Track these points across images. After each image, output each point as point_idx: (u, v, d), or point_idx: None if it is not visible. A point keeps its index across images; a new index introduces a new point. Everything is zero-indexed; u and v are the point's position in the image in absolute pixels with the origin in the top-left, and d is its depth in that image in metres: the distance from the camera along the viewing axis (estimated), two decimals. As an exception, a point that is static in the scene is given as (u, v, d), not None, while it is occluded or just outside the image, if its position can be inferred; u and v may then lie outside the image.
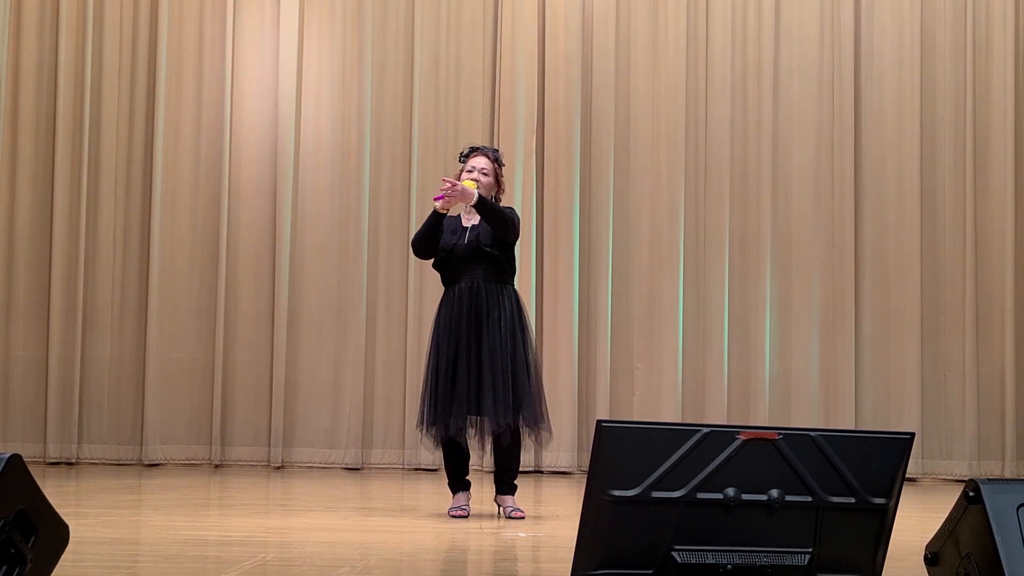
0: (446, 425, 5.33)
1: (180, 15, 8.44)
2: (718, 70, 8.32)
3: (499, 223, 5.36)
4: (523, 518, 5.37)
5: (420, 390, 5.56)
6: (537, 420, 5.40)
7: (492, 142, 8.17)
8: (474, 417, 5.37)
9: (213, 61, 8.44)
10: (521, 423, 5.37)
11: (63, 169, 8.29)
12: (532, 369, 5.44)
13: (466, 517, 5.38)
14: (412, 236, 5.60)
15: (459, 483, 5.52)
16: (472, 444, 5.46)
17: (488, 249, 5.42)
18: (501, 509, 5.46)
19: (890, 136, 8.26)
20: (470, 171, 5.49)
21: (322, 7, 8.47)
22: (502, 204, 5.62)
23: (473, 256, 5.44)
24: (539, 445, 5.74)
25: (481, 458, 5.73)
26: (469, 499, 5.52)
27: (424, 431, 5.46)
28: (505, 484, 5.47)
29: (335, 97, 8.45)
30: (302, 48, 8.43)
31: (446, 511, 5.49)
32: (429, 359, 5.47)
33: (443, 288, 5.61)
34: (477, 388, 5.31)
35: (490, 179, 5.51)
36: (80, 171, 8.30)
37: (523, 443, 5.47)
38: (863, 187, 8.24)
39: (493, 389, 5.28)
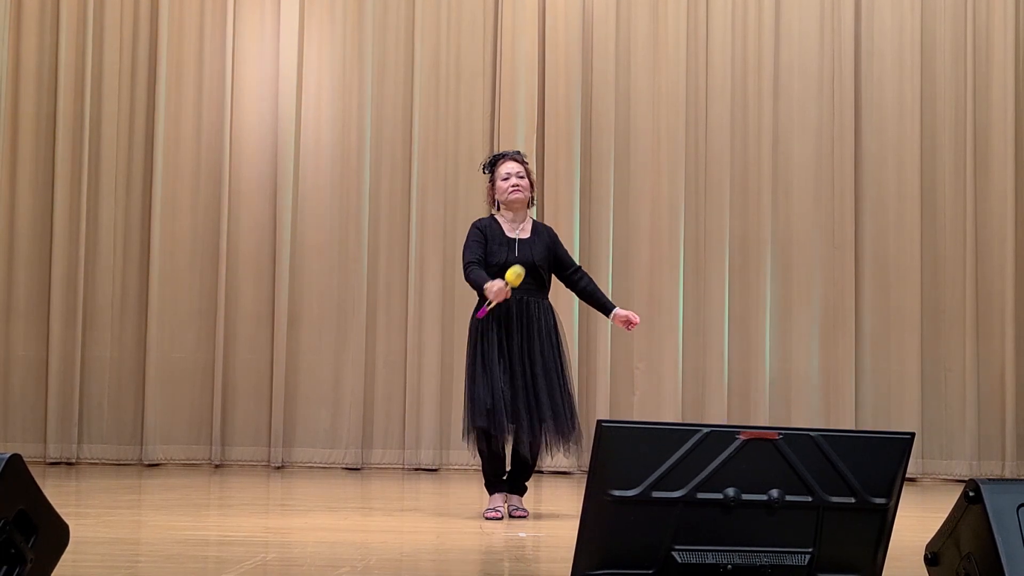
0: (502, 430, 5.31)
1: (180, 15, 8.44)
2: (718, 70, 8.33)
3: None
4: (525, 517, 5.41)
5: (466, 396, 5.44)
6: (578, 431, 5.50)
7: (492, 142, 8.18)
8: (522, 425, 5.35)
9: (213, 61, 8.44)
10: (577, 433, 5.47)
11: (63, 169, 8.29)
12: (571, 381, 5.54)
13: (501, 519, 5.39)
14: (464, 265, 5.43)
15: (497, 484, 5.53)
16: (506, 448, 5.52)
17: (541, 270, 5.47)
18: (507, 507, 5.50)
19: (890, 136, 8.26)
20: (506, 178, 5.50)
21: (322, 7, 8.47)
22: (534, 213, 5.71)
23: (527, 272, 5.39)
24: (572, 452, 5.70)
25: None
26: (505, 501, 5.54)
27: (474, 433, 5.39)
28: (519, 485, 5.53)
29: (335, 97, 8.45)
30: (302, 48, 8.43)
31: (461, 507, 5.51)
32: (477, 364, 5.37)
33: (478, 295, 5.48)
34: (536, 399, 5.32)
35: (527, 181, 5.55)
36: (80, 171, 8.30)
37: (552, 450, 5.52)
38: (863, 187, 8.25)
39: (551, 403, 5.33)
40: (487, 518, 5.40)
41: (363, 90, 8.41)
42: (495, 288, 5.18)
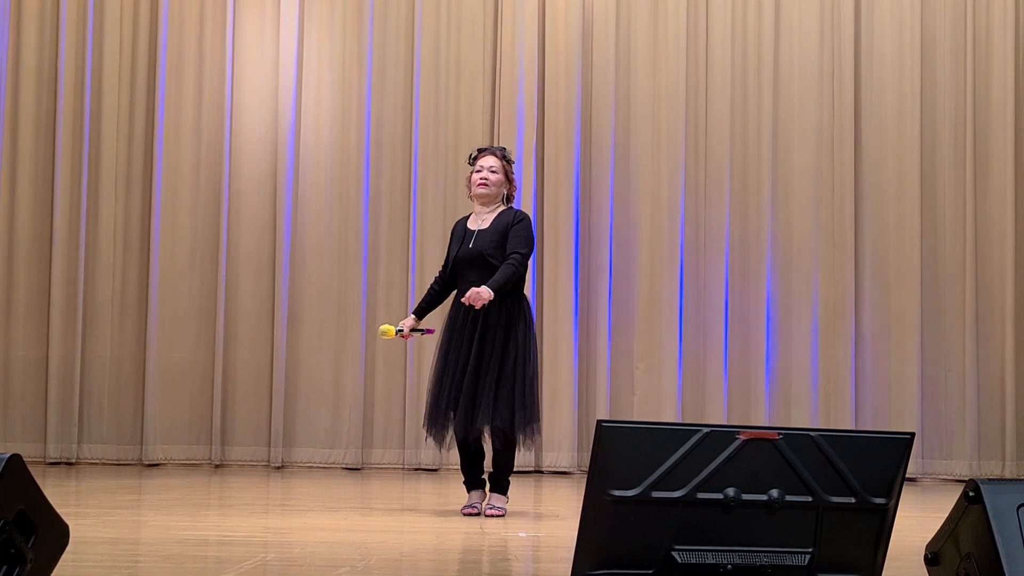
0: (443, 429, 5.47)
1: (180, 14, 8.44)
2: (718, 69, 8.32)
3: (511, 284, 5.42)
4: (500, 516, 5.42)
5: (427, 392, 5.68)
6: (529, 422, 5.39)
7: (492, 142, 8.17)
8: (470, 418, 5.39)
9: (214, 60, 8.44)
10: (515, 426, 5.38)
11: (63, 168, 8.29)
12: (527, 375, 5.41)
13: (477, 515, 5.44)
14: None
15: (473, 482, 5.60)
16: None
17: (491, 259, 5.45)
18: (483, 504, 5.54)
19: (890, 136, 8.26)
20: (478, 171, 5.58)
21: (322, 7, 8.47)
22: (513, 203, 5.69)
23: (475, 263, 5.47)
24: (527, 447, 5.68)
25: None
26: (482, 498, 5.58)
27: (427, 433, 5.59)
28: (494, 482, 5.56)
29: (335, 97, 8.45)
30: (302, 48, 8.43)
31: (460, 507, 5.57)
32: (434, 362, 5.60)
33: None
34: (472, 393, 5.37)
35: (499, 176, 5.58)
36: (80, 170, 8.30)
37: (517, 445, 5.52)
38: (863, 187, 8.24)
39: (493, 394, 5.33)
40: (463, 514, 5.49)
41: (363, 90, 8.41)
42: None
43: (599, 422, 2.82)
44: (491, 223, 5.53)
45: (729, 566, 2.85)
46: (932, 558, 2.96)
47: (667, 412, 8.07)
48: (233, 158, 8.38)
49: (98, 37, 8.38)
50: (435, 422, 5.48)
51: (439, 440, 5.53)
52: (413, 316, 5.77)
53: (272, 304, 8.31)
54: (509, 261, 5.40)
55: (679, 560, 2.84)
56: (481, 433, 5.40)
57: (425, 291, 5.85)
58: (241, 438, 8.28)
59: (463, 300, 5.34)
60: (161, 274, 8.29)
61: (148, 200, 8.36)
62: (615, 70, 8.32)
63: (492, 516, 5.42)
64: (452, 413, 5.42)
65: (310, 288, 8.35)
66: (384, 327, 5.68)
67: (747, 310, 8.22)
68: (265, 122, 8.44)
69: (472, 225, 5.59)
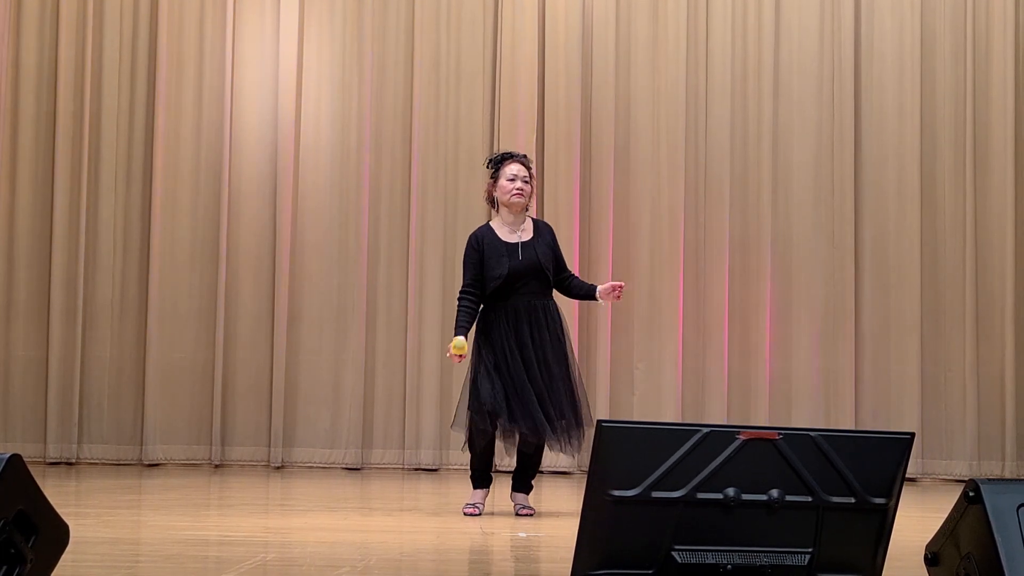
0: (504, 426, 5.40)
1: (180, 13, 8.44)
2: (718, 69, 8.32)
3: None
4: (532, 515, 5.48)
5: (469, 387, 5.47)
6: (583, 428, 5.54)
7: (492, 142, 8.18)
8: (528, 424, 5.38)
9: (213, 60, 8.44)
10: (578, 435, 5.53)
11: (63, 168, 8.29)
12: (579, 380, 5.61)
13: (479, 515, 5.44)
14: (461, 290, 5.55)
15: (484, 480, 5.59)
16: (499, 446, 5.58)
17: (546, 270, 5.53)
18: (514, 505, 5.57)
19: (890, 136, 8.26)
20: (512, 179, 5.53)
21: (322, 7, 8.47)
22: (533, 210, 5.75)
23: (532, 274, 5.49)
24: (576, 449, 5.67)
25: (500, 459, 5.81)
26: (486, 497, 5.61)
27: (472, 430, 5.44)
28: (524, 483, 5.59)
29: (335, 97, 8.45)
30: (302, 48, 8.43)
31: (461, 507, 5.56)
32: (484, 363, 5.41)
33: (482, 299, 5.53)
34: (544, 399, 5.38)
35: (529, 186, 5.58)
36: (80, 170, 8.30)
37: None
38: (863, 187, 8.24)
39: (560, 403, 5.39)
40: (465, 513, 5.48)
41: (363, 90, 8.40)
42: (451, 351, 5.38)
43: (599, 422, 2.82)
44: (533, 234, 5.57)
45: (729, 566, 2.86)
46: (932, 558, 2.96)
47: (667, 412, 8.07)
48: (233, 158, 8.37)
49: (97, 37, 8.38)
50: (492, 425, 5.37)
51: (507, 440, 5.47)
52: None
53: (272, 304, 8.30)
54: (576, 277, 5.79)
55: (679, 560, 2.84)
56: (568, 441, 5.44)
57: (459, 310, 5.50)
58: (241, 438, 8.28)
59: (613, 298, 5.57)
60: (161, 274, 8.29)
61: (148, 200, 8.36)
62: (615, 70, 8.32)
63: (528, 515, 5.47)
64: (511, 417, 5.36)
65: (310, 288, 8.34)
66: (462, 343, 5.37)
67: (747, 310, 8.22)
68: (265, 122, 8.44)
69: (509, 238, 5.51)
